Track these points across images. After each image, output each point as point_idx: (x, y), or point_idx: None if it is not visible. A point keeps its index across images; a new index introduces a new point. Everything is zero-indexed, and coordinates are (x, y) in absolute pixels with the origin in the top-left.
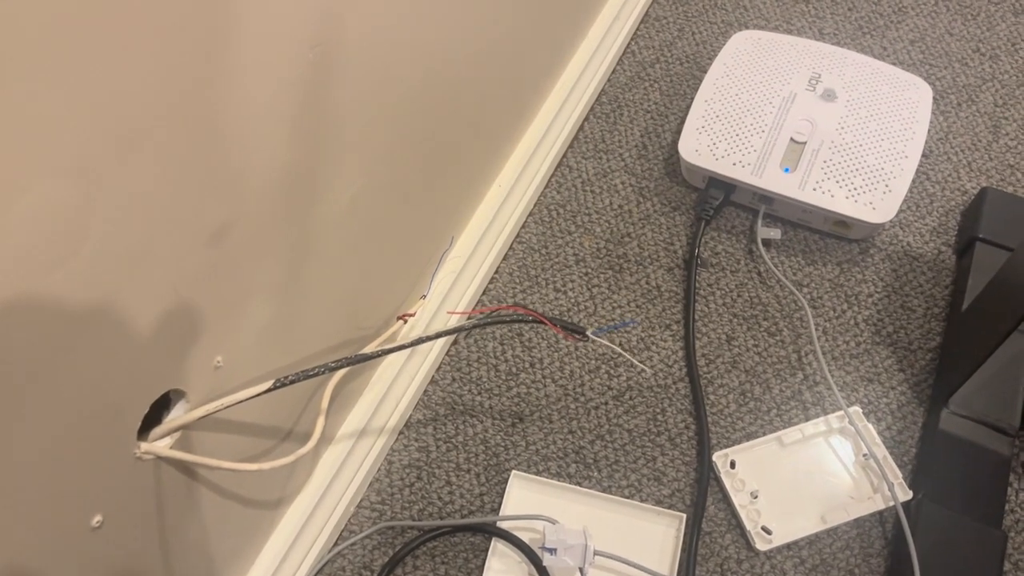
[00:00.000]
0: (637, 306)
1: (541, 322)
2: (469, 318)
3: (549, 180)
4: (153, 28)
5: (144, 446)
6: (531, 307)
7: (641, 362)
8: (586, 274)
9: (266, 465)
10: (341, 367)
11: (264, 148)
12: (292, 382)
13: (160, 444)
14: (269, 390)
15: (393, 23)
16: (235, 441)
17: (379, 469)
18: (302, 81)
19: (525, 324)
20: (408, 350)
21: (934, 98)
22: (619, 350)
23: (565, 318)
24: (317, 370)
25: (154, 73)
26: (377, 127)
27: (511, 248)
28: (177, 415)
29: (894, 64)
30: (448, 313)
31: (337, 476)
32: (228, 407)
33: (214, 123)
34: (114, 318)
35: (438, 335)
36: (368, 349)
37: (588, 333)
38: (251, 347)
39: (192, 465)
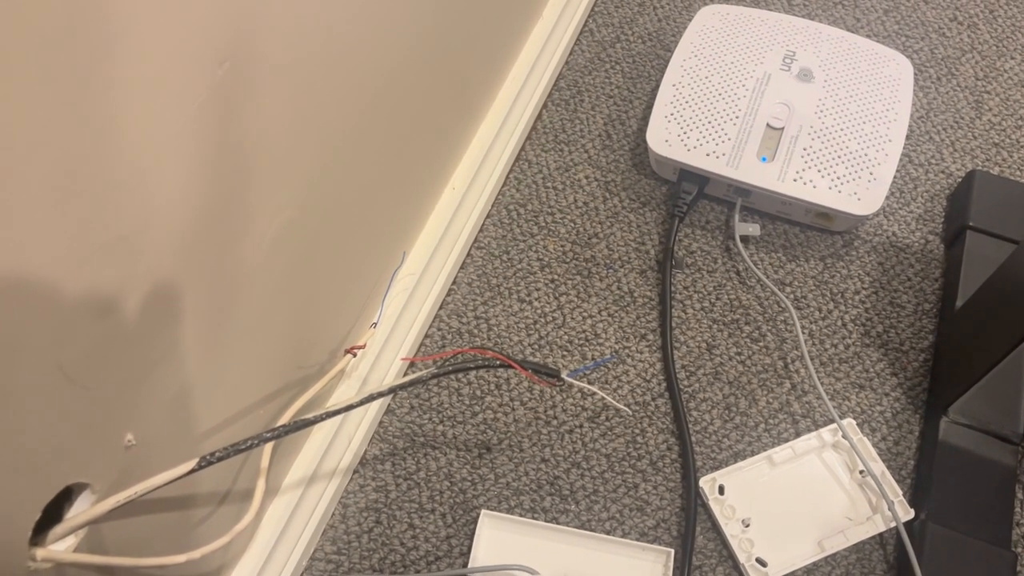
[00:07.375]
0: (609, 315)
1: (510, 367)
2: (427, 364)
3: (507, 177)
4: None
5: (40, 553)
6: (497, 343)
7: (617, 378)
8: (552, 280)
9: (196, 553)
10: (277, 436)
11: (166, 188)
12: (220, 459)
13: (61, 547)
14: (192, 471)
15: (316, 23)
16: (159, 521)
17: (333, 515)
18: (211, 104)
19: (492, 368)
20: (358, 381)
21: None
22: (597, 391)
23: (536, 359)
24: (248, 443)
25: (11, 107)
26: (306, 145)
27: (469, 255)
28: (81, 510)
29: (869, 36)
30: (402, 360)
31: (286, 528)
32: (144, 494)
33: (97, 166)
34: None
35: (391, 390)
36: (313, 391)
37: (563, 376)
38: (169, 416)
39: (103, 566)
